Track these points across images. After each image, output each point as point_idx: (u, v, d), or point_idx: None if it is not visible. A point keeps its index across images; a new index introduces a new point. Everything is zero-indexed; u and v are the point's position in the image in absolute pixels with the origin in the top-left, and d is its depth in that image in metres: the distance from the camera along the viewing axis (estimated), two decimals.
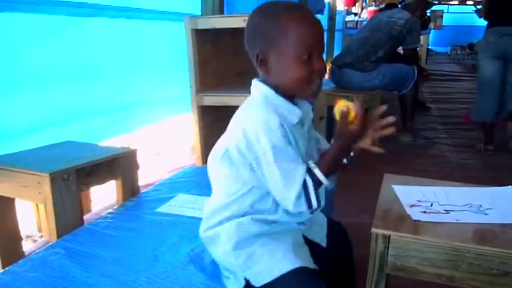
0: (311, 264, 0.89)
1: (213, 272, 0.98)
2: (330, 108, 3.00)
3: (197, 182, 1.59)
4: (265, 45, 0.86)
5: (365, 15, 6.36)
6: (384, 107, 0.89)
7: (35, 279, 0.98)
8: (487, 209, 0.98)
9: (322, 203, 0.89)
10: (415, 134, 3.41)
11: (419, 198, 1.03)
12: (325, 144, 1.01)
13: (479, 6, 3.60)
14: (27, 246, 1.62)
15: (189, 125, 2.33)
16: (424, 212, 0.95)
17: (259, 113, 0.85)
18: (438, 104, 5.12)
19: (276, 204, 0.90)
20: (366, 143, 0.87)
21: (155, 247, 1.12)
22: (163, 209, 1.37)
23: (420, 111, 4.25)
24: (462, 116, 4.66)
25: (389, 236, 0.88)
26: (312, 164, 0.85)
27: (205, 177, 1.01)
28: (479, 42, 3.32)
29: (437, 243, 0.85)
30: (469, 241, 0.85)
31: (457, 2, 14.54)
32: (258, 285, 0.88)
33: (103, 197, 1.97)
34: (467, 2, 13.49)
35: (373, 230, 0.89)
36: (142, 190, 1.57)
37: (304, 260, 0.88)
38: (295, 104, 0.90)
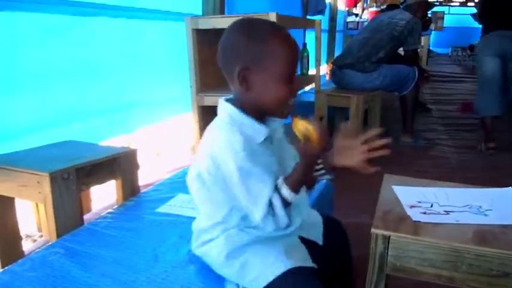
0: (308, 263, 0.90)
1: (213, 272, 0.98)
2: (330, 108, 3.00)
3: None
4: (249, 63, 0.86)
5: (366, 16, 6.37)
6: (379, 130, 0.92)
7: (34, 278, 0.98)
8: (487, 210, 0.97)
9: (297, 221, 0.93)
10: (415, 135, 3.41)
11: (419, 199, 1.02)
12: None
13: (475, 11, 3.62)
14: (27, 246, 1.62)
15: (189, 125, 2.33)
16: (424, 213, 0.95)
17: (224, 134, 0.86)
18: (439, 105, 5.11)
19: None
20: (354, 162, 0.90)
21: (155, 247, 1.12)
22: (163, 209, 1.37)
23: (421, 113, 4.24)
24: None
25: (389, 236, 0.88)
26: (280, 182, 0.86)
27: None
28: (478, 44, 3.33)
29: (437, 244, 0.85)
30: (469, 242, 0.85)
31: (458, 4, 14.55)
32: None
33: (103, 196, 1.97)
34: (469, 4, 13.50)
35: (373, 230, 0.89)
36: (142, 190, 1.57)
37: (299, 260, 0.89)
38: (264, 121, 0.91)
